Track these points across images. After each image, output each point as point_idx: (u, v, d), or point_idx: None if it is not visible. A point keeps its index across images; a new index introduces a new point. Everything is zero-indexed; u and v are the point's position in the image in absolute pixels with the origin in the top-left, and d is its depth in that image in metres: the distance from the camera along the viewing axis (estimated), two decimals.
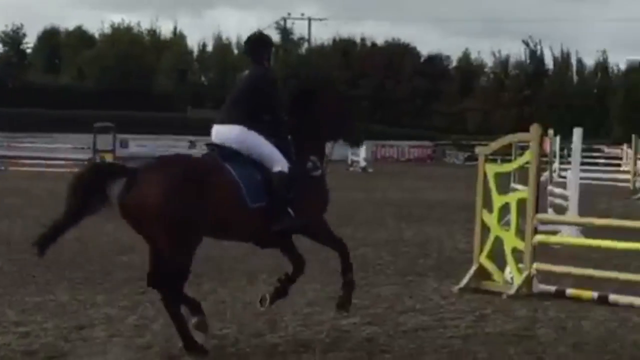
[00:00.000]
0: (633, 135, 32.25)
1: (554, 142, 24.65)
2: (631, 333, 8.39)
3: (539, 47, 70.87)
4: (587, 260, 12.11)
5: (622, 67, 68.05)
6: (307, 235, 8.13)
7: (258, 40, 8.34)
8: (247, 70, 8.24)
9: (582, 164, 36.74)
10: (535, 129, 10.35)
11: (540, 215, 10.79)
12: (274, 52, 8.44)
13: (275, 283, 8.11)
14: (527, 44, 71.02)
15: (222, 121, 8.00)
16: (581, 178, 26.68)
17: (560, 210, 17.33)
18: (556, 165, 33.61)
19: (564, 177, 20.80)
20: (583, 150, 48.61)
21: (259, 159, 7.83)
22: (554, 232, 14.66)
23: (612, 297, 9.80)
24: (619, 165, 42.59)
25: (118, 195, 7.27)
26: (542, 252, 11.27)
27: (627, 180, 31.37)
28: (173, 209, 7.14)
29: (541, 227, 11.57)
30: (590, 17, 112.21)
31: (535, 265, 10.31)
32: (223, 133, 7.95)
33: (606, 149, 48.44)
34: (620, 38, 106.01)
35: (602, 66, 69.86)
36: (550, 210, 18.24)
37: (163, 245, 7.29)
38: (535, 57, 71.01)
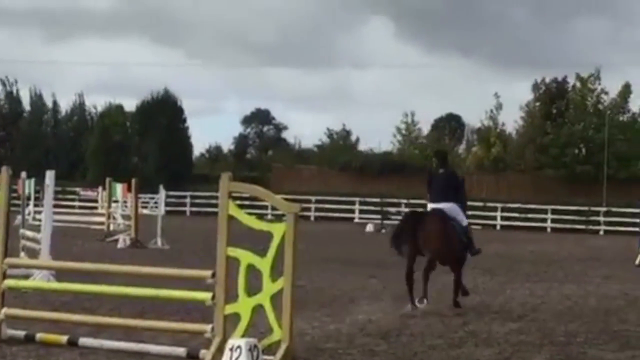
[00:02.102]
0: (107, 178, 32.80)
1: (28, 185, 24.34)
2: None
3: (15, 87, 69.83)
4: (58, 303, 12.00)
5: (99, 109, 68.97)
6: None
7: (445, 153, 15.70)
8: (440, 169, 14.67)
9: (58, 206, 36.84)
10: (4, 170, 10.08)
11: (10, 260, 10.50)
12: None
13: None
14: (4, 84, 69.70)
15: (437, 201, 14.28)
16: (57, 221, 26.71)
17: (34, 253, 17.09)
18: (31, 208, 33.26)
19: (40, 220, 20.54)
20: (59, 192, 48.61)
21: (456, 217, 14.38)
22: (27, 276, 14.40)
23: (83, 340, 9.78)
24: (95, 208, 43.12)
25: (419, 228, 13.83)
26: (13, 296, 10.98)
27: (102, 223, 31.75)
28: (446, 237, 13.99)
29: (13, 271, 11.28)
30: (65, 60, 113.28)
31: (4, 310, 10.00)
32: (439, 206, 14.24)
33: (82, 192, 48.82)
34: (96, 81, 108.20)
35: (79, 109, 70.42)
36: (22, 253, 17.93)
37: (438, 252, 13.94)
38: (12, 98, 69.84)
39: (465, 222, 14.46)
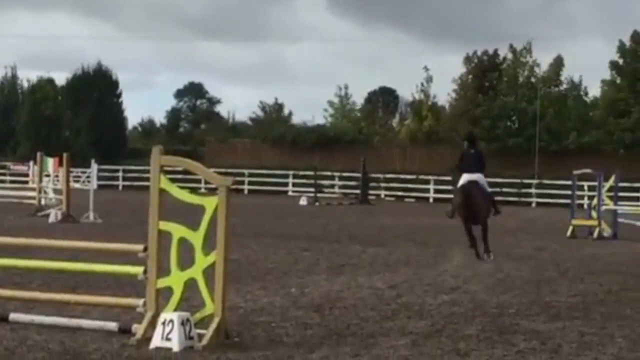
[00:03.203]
0: (39, 153, 32.34)
1: None
2: (31, 351, 8.33)
3: None
4: None
5: (31, 83, 67.82)
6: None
7: (474, 136, 20.55)
8: (471, 149, 18.82)
9: None
10: None
11: None
12: None
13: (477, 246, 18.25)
14: None
15: (470, 172, 18.32)
16: None
17: None
18: None
19: None
20: None
21: (484, 185, 18.56)
22: None
23: (13, 315, 9.66)
24: (26, 182, 42.53)
25: (468, 195, 18.13)
26: None
27: (33, 198, 31.35)
28: (484, 203, 18.43)
29: None
30: None
31: None
32: (472, 176, 18.26)
33: (12, 166, 48.13)
34: (28, 53, 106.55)
35: (10, 82, 69.30)
36: None
37: (484, 213, 18.42)
38: None
39: (488, 189, 18.93)
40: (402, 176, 54.60)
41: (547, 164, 53.42)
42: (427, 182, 53.34)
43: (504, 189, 51.25)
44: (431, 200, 51.82)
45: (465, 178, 18.29)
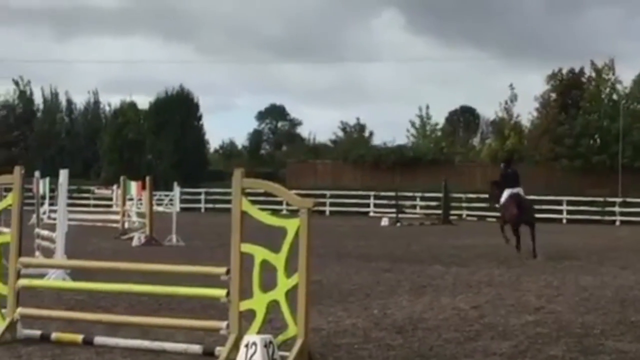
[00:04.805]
0: (122, 176, 32.86)
1: (43, 184, 24.40)
2: None
3: (28, 87, 69.82)
4: (73, 302, 12.00)
5: (113, 107, 68.87)
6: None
7: (511, 159, 26.37)
8: (508, 169, 23.70)
9: (72, 205, 36.93)
10: (17, 170, 10.08)
11: (24, 259, 10.49)
12: None
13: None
14: (17, 84, 69.61)
15: (513, 187, 23.00)
16: (72, 219, 26.78)
17: (49, 252, 17.14)
18: (46, 207, 33.31)
19: (55, 219, 20.59)
20: (73, 191, 48.54)
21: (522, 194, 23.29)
22: (42, 275, 14.44)
23: (98, 339, 9.78)
24: (110, 206, 43.21)
25: (519, 201, 23.01)
26: (29, 296, 11.01)
27: (117, 221, 31.84)
28: (532, 207, 24.29)
29: (28, 271, 11.29)
30: (77, 58, 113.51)
31: (19, 310, 10.00)
32: (514, 190, 22.88)
33: (96, 190, 48.97)
34: (109, 78, 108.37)
35: (93, 107, 70.45)
36: (37, 252, 17.99)
37: (533, 214, 23.80)
38: (25, 97, 69.79)
39: (526, 199, 23.67)
40: (483, 196, 54.10)
41: (632, 181, 52.49)
42: None
43: (588, 208, 50.62)
44: None
45: (509, 192, 23.09)
